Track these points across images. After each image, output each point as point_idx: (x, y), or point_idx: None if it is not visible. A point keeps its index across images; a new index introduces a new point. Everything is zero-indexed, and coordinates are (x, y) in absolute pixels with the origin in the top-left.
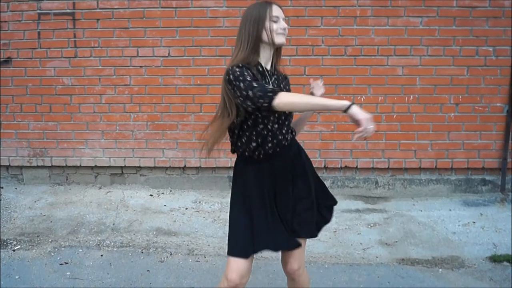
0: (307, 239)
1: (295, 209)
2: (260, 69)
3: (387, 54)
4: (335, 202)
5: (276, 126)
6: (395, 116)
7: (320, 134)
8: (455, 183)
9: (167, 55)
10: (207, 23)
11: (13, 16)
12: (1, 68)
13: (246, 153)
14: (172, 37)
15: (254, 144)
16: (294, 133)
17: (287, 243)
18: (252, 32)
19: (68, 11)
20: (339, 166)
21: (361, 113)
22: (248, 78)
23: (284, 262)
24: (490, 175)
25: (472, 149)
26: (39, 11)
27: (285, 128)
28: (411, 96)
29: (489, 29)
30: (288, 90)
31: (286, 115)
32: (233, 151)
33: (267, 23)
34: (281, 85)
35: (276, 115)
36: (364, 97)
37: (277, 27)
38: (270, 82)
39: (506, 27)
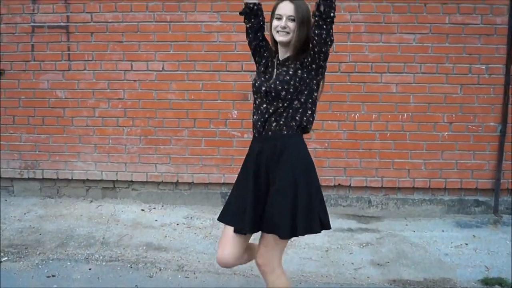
0: (285, 243)
1: (266, 204)
2: (274, 59)
3: (381, 71)
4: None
5: (264, 105)
6: (389, 134)
7: (314, 151)
8: (448, 203)
9: (161, 69)
10: (201, 38)
11: (7, 29)
12: None
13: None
14: (166, 52)
15: (251, 114)
16: (286, 131)
17: (241, 224)
18: (269, 27)
19: (62, 24)
20: (332, 184)
21: None
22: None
23: None
24: (483, 196)
25: (466, 169)
26: (33, 24)
27: (271, 116)
28: (405, 114)
29: (482, 47)
30: (286, 81)
31: (276, 106)
32: None
33: (273, 20)
34: (280, 79)
35: (268, 98)
36: (358, 114)
37: (277, 24)
38: (274, 74)
39: (499, 45)
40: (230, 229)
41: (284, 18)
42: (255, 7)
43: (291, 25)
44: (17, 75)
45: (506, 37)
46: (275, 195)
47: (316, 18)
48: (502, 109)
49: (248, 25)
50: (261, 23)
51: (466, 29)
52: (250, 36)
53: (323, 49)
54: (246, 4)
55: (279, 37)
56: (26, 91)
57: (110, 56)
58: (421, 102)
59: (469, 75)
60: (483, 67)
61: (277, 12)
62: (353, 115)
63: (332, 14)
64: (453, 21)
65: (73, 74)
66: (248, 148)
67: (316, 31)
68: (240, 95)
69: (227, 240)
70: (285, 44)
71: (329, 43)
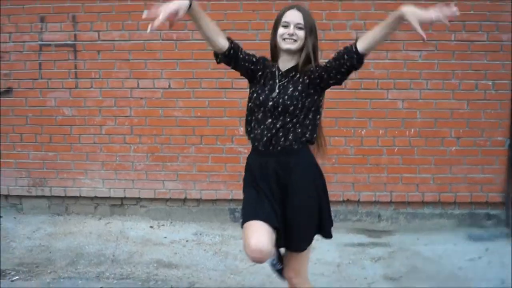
0: (310, 253)
1: (287, 221)
2: (273, 69)
3: (387, 87)
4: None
5: (269, 120)
6: (396, 149)
7: (321, 166)
8: (459, 217)
9: (167, 87)
10: (208, 56)
11: (15, 47)
12: (2, 98)
13: (250, 139)
14: (173, 69)
15: (248, 128)
16: (296, 145)
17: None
18: (272, 34)
19: (69, 42)
20: (341, 200)
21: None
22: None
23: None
24: (494, 209)
25: (475, 183)
26: (40, 43)
27: (278, 131)
28: (412, 130)
29: (488, 63)
30: (295, 97)
31: (284, 121)
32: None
33: (278, 28)
34: (288, 93)
35: (274, 113)
36: (364, 130)
37: (284, 32)
38: (276, 86)
39: (505, 61)
40: (257, 222)
41: (291, 26)
42: (231, 51)
43: (299, 33)
44: (24, 93)
45: (511, 53)
46: (298, 213)
47: (343, 69)
48: (509, 123)
49: (231, 66)
50: (241, 56)
51: (472, 46)
52: (238, 69)
53: (337, 84)
54: (223, 53)
55: (285, 45)
56: (33, 109)
57: (117, 74)
58: (428, 118)
59: (476, 91)
60: (490, 83)
61: (283, 19)
62: (360, 131)
63: (358, 67)
64: (458, 38)
65: (80, 92)
66: (248, 161)
67: (338, 76)
68: (246, 112)
69: (259, 229)
70: (292, 52)
71: (344, 80)
